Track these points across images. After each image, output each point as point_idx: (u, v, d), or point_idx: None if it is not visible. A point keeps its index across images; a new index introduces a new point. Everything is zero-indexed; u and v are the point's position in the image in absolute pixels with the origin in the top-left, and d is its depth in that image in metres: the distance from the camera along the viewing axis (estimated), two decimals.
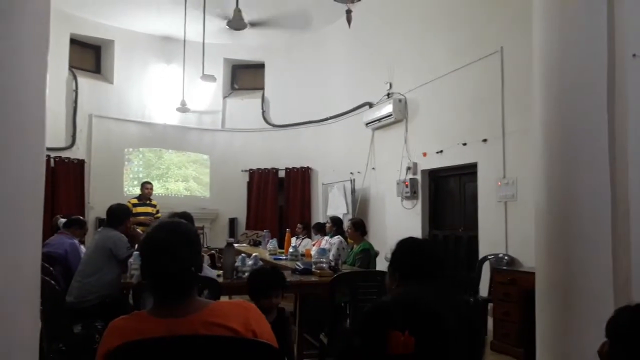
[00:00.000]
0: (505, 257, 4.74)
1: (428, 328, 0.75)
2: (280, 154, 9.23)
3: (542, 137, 3.04)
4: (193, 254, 1.42)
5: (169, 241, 1.39)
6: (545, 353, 2.88)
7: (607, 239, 2.75)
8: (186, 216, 3.20)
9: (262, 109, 9.53)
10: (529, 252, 3.88)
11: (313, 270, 3.90)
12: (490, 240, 5.07)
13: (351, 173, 7.85)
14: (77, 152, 8.38)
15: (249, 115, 9.50)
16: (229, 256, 3.49)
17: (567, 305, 2.73)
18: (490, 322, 4.45)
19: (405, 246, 1.74)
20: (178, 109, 8.80)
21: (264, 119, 9.51)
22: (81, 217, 5.18)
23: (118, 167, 8.84)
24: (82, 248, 4.58)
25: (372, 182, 7.51)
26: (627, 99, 2.79)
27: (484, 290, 4.77)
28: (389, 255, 1.80)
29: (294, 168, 9.27)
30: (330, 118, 8.68)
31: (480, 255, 5.05)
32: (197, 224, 7.67)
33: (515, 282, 4.09)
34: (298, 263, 4.28)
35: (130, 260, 3.55)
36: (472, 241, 5.42)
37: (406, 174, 6.53)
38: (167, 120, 9.22)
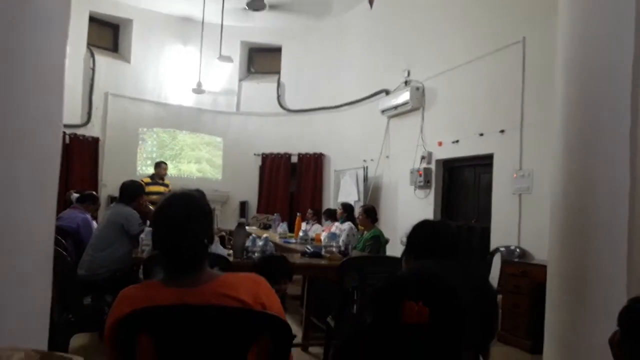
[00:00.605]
0: (517, 250, 4.70)
1: (443, 299, 0.73)
2: (294, 139, 9.20)
3: (561, 129, 2.99)
4: (205, 227, 1.41)
5: (181, 213, 1.38)
6: (554, 345, 2.85)
7: (623, 231, 2.71)
8: (198, 192, 3.20)
9: (278, 93, 9.49)
10: (542, 245, 3.83)
11: (323, 253, 3.90)
12: (503, 232, 5.02)
13: (364, 161, 7.81)
14: (92, 130, 8.44)
15: (263, 99, 9.47)
16: (240, 236, 3.50)
17: (579, 297, 2.69)
18: (499, 313, 4.42)
19: (420, 228, 1.73)
20: (194, 90, 8.80)
21: (279, 103, 9.48)
22: (94, 193, 5.23)
23: (132, 146, 8.89)
24: (94, 223, 4.62)
25: (385, 170, 7.47)
26: None
27: (494, 282, 4.73)
28: (404, 239, 1.79)
29: (306, 154, 9.25)
30: (346, 105, 8.62)
31: (492, 247, 5.01)
32: None
33: (526, 275, 4.05)
34: (308, 246, 4.27)
35: (142, 236, 3.57)
36: (485, 233, 5.37)
37: (420, 163, 6.48)
38: (182, 102, 9.23)
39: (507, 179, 5.06)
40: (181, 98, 9.22)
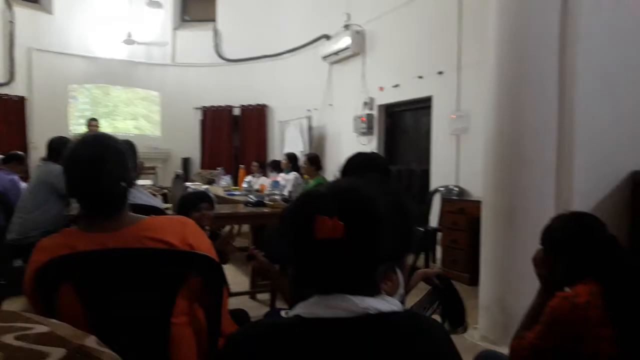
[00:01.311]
0: (456, 189, 4.85)
1: (357, 210, 0.70)
2: (235, 90, 8.94)
3: (495, 69, 3.05)
4: (122, 167, 1.30)
5: (94, 152, 1.27)
6: (488, 274, 3.00)
7: (551, 163, 2.83)
8: (127, 142, 3.06)
9: (215, 42, 9.12)
10: (479, 183, 3.96)
11: (266, 202, 3.87)
12: (442, 173, 5.16)
13: (308, 110, 7.73)
14: (16, 89, 7.87)
15: (201, 50, 9.08)
16: (178, 188, 3.40)
17: (511, 226, 2.82)
18: (439, 250, 4.60)
19: (352, 158, 1.75)
20: (125, 42, 8.30)
21: (217, 53, 9.12)
22: (19, 152, 4.90)
23: (62, 105, 8.37)
24: (23, 184, 4.36)
25: (329, 118, 7.43)
26: (577, 25, 2.79)
27: (435, 223, 4.89)
28: (338, 174, 1.78)
29: (249, 105, 9.05)
30: (287, 52, 8.41)
31: (432, 188, 5.15)
32: (148, 164, 7.47)
33: (463, 211, 4.20)
34: (251, 196, 4.23)
35: None
36: (425, 175, 5.50)
37: (363, 109, 6.47)
38: (113, 55, 8.70)
39: (446, 120, 5.15)
40: (112, 51, 8.68)
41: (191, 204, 2.53)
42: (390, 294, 0.78)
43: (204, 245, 1.34)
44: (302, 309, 0.75)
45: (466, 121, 4.90)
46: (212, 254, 1.33)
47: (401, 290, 0.84)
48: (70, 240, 1.27)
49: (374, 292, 0.75)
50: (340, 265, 0.74)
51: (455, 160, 5.01)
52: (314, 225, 0.71)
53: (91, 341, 0.47)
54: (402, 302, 0.88)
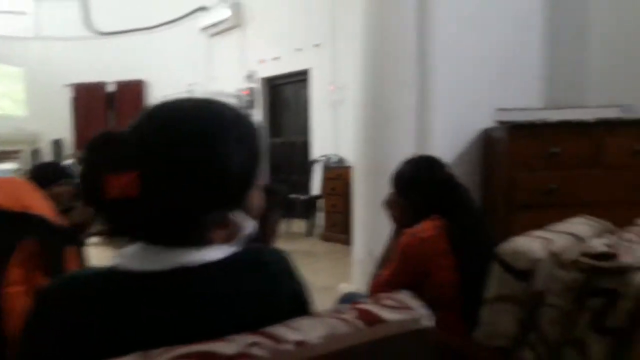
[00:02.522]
0: (335, 157, 5.02)
1: (161, 161, 0.66)
2: (109, 66, 8.34)
3: (362, 37, 3.19)
4: None
5: None
6: (360, 230, 3.19)
7: (412, 126, 3.05)
8: None
9: (83, 13, 8.41)
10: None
11: None
12: (323, 143, 5.31)
13: (189, 85, 7.47)
14: None
15: (67, 21, 8.33)
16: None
17: (375, 185, 3.00)
18: (322, 216, 4.77)
19: None
20: None
21: (87, 25, 8.43)
22: None
23: None
24: None
25: (211, 93, 7.26)
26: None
27: (317, 190, 5.04)
28: None
29: (125, 81, 8.52)
30: (163, 24, 8.01)
31: (313, 158, 5.29)
32: (13, 147, 6.80)
33: (340, 177, 4.39)
34: None
35: None
36: (306, 146, 5.62)
37: (245, 82, 6.41)
38: None
39: (324, 92, 5.28)
40: None
41: (51, 177, 2.37)
42: (230, 240, 0.73)
43: (40, 206, 1.26)
44: (119, 259, 0.70)
45: (343, 92, 5.06)
46: (50, 214, 1.26)
47: (247, 231, 0.78)
48: None
49: (201, 242, 0.70)
50: (139, 222, 0.67)
51: (334, 130, 5.17)
52: (102, 187, 0.64)
53: None
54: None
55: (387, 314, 0.68)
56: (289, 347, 0.62)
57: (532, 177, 2.71)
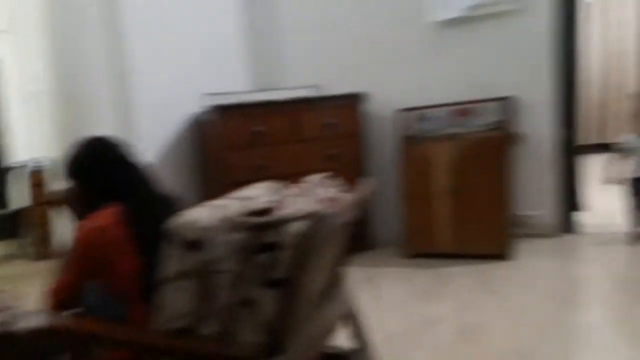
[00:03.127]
0: (45, 160, 4.37)
1: None
2: None
3: (49, 23, 2.82)
4: None
5: None
6: None
7: (113, 116, 2.85)
8: None
9: None
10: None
11: None
12: (28, 144, 4.57)
13: None
14: None
15: None
16: None
17: None
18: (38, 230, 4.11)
19: None
20: None
21: None
22: None
23: None
24: None
25: None
26: None
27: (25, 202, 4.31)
28: None
29: None
30: None
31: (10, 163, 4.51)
32: None
33: None
34: None
35: None
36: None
37: None
38: None
39: (19, 85, 4.53)
40: None
41: None
42: None
43: None
44: None
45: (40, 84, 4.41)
46: None
47: None
48: None
49: None
50: None
51: (39, 128, 4.48)
52: None
53: None
54: None
55: None
56: None
57: (242, 155, 2.81)
